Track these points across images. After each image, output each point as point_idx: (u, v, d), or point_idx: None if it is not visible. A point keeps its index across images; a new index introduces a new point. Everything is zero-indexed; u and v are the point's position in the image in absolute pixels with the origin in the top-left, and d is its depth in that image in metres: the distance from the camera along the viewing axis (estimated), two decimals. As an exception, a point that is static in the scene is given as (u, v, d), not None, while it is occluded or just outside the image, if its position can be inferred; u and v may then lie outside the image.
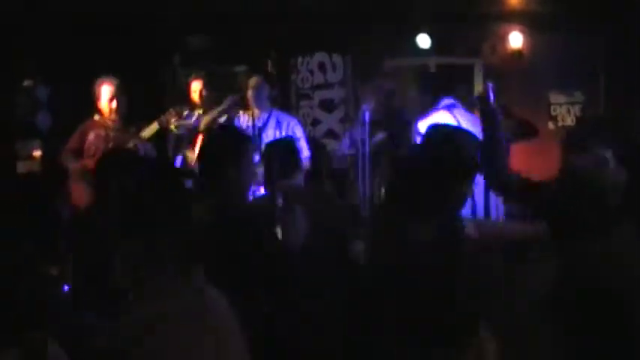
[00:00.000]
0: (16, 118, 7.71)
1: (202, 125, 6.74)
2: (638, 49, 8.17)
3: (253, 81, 6.71)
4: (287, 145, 4.46)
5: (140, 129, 6.67)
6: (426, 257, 2.68)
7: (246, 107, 6.59)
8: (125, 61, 8.18)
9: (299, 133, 6.46)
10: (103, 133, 6.46)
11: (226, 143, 3.80)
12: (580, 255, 1.60)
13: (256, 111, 6.53)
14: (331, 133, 8.88)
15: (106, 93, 6.54)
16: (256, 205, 4.24)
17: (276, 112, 6.67)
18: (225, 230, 3.34)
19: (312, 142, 6.81)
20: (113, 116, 6.54)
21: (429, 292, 2.47)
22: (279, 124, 6.43)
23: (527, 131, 7.15)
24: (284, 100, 8.98)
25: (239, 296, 2.38)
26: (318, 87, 8.87)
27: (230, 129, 4.97)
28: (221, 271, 2.41)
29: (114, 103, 6.53)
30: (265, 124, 6.38)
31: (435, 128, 3.88)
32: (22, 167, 7.72)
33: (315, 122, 8.95)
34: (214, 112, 6.80)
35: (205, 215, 3.17)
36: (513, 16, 9.06)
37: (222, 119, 6.72)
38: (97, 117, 6.64)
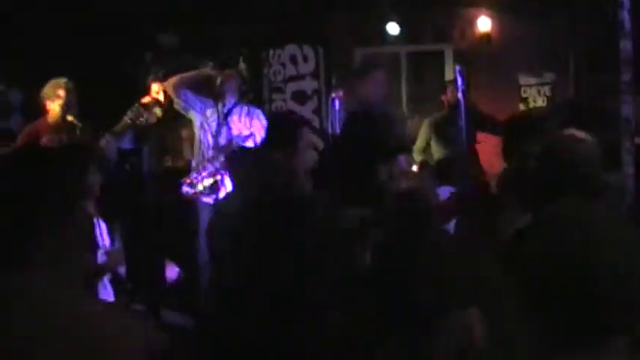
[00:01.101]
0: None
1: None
2: (605, 27, 8.26)
3: (224, 73, 6.69)
4: None
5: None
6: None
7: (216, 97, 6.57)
8: (97, 60, 8.19)
9: (263, 121, 6.49)
10: (57, 137, 6.32)
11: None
12: (551, 215, 1.61)
13: (224, 100, 6.55)
14: (305, 125, 8.91)
15: (59, 94, 6.46)
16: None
17: (242, 103, 6.68)
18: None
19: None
20: (69, 118, 6.44)
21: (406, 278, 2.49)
22: (243, 110, 6.43)
23: (491, 128, 7.22)
24: (256, 94, 9.01)
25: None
26: (290, 79, 8.90)
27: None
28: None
29: (66, 105, 6.44)
30: (231, 110, 6.38)
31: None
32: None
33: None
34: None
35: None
36: (481, 0, 9.14)
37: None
38: (50, 119, 6.50)
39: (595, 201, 1.68)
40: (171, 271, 6.11)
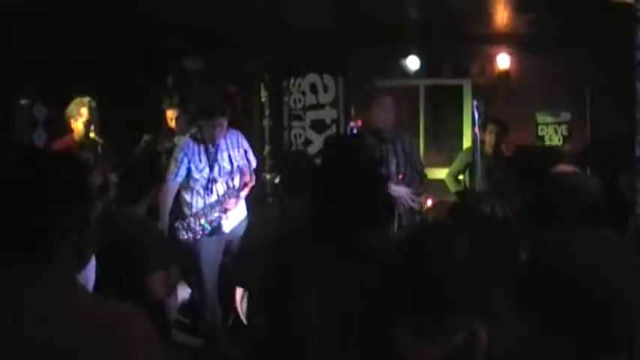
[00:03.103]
0: (13, 136, 7.83)
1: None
2: (623, 68, 8.33)
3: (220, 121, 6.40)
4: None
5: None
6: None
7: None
8: (121, 83, 8.34)
9: (246, 144, 6.56)
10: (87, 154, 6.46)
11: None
12: (552, 241, 1.71)
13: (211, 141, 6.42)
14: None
15: (82, 113, 6.62)
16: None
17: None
18: None
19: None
20: (91, 135, 6.52)
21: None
22: (228, 140, 6.39)
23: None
24: (276, 121, 9.13)
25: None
26: (310, 108, 9.00)
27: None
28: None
29: (89, 122, 6.59)
30: (218, 146, 6.33)
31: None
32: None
33: (307, 142, 9.06)
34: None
35: None
36: (501, 37, 9.22)
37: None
38: (75, 136, 6.65)
39: (598, 230, 1.75)
40: (183, 292, 6.19)
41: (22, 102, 6.89)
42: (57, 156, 1.99)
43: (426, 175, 6.47)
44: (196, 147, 6.28)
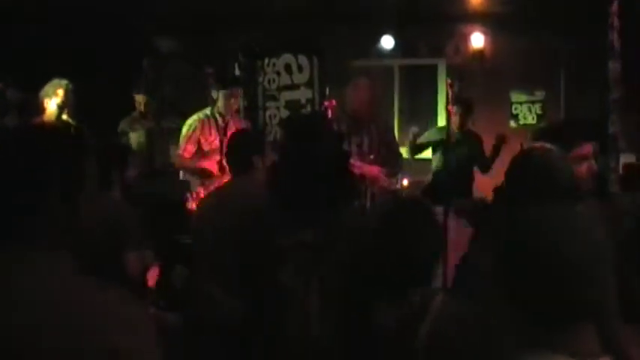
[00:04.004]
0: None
1: None
2: (597, 47, 8.39)
3: (234, 91, 6.75)
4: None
5: None
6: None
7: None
8: (96, 65, 8.28)
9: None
10: None
11: None
12: (523, 219, 1.76)
13: (226, 118, 6.59)
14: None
15: (58, 93, 6.55)
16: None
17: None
18: None
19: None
20: (63, 117, 6.46)
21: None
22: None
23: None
24: (251, 101, 9.08)
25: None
26: (285, 88, 8.96)
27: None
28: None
29: (63, 104, 6.53)
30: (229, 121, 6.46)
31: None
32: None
33: (282, 123, 9.04)
34: None
35: None
36: (475, 17, 9.24)
37: None
38: (45, 118, 6.49)
39: (570, 207, 1.78)
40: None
41: (-6, 86, 6.78)
42: (28, 134, 1.90)
43: (401, 155, 6.48)
44: (206, 120, 6.44)
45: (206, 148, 6.41)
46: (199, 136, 6.42)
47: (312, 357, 2.95)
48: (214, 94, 6.55)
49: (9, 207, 1.74)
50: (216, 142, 6.37)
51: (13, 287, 1.68)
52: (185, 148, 6.42)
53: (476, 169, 7.59)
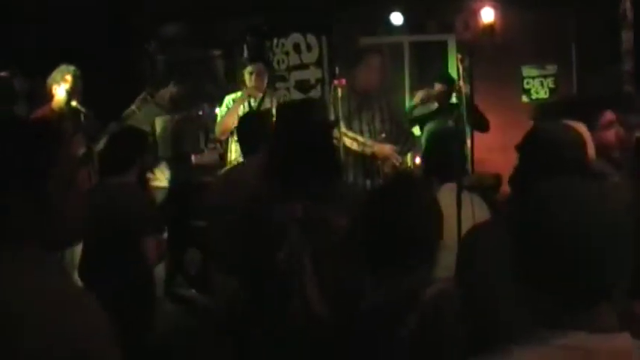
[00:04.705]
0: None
1: None
2: (608, 20, 8.28)
3: (255, 67, 7.22)
4: None
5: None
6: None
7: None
8: (102, 49, 8.23)
9: None
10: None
11: None
12: (535, 197, 1.70)
13: (255, 92, 7.04)
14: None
15: (66, 79, 6.53)
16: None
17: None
18: None
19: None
20: (73, 104, 6.47)
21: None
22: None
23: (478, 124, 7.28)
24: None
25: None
26: (294, 68, 8.91)
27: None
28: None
29: (72, 90, 6.50)
30: (262, 101, 6.93)
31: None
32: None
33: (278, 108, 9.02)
34: None
35: None
36: (485, -9, 9.14)
37: None
38: (54, 104, 6.50)
39: (582, 184, 1.73)
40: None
41: (2, 74, 6.75)
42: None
43: (412, 133, 6.42)
44: (239, 100, 6.93)
45: None
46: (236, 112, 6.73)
47: (313, 340, 2.97)
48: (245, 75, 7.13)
49: None
50: None
51: None
52: (225, 122, 6.81)
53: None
